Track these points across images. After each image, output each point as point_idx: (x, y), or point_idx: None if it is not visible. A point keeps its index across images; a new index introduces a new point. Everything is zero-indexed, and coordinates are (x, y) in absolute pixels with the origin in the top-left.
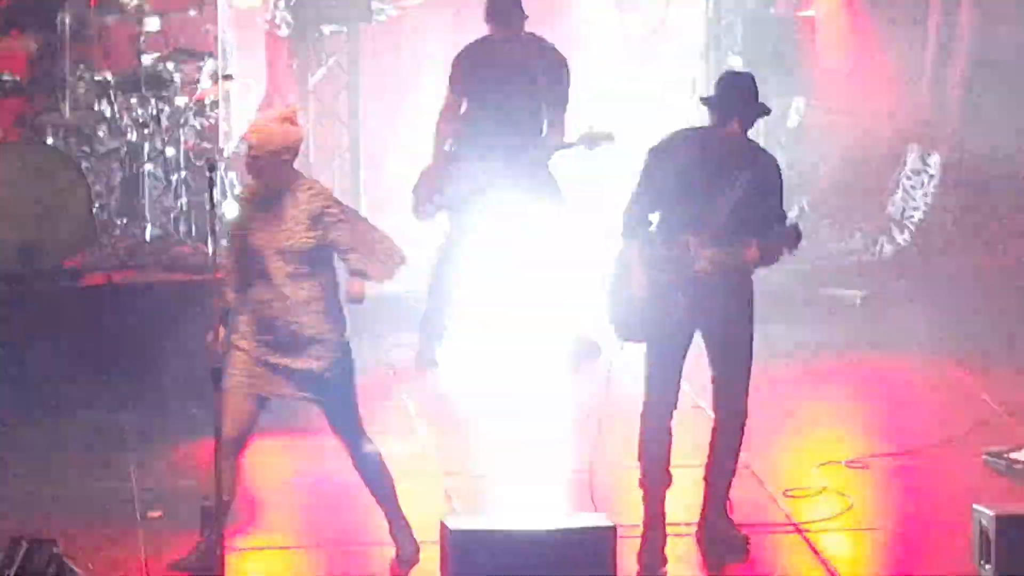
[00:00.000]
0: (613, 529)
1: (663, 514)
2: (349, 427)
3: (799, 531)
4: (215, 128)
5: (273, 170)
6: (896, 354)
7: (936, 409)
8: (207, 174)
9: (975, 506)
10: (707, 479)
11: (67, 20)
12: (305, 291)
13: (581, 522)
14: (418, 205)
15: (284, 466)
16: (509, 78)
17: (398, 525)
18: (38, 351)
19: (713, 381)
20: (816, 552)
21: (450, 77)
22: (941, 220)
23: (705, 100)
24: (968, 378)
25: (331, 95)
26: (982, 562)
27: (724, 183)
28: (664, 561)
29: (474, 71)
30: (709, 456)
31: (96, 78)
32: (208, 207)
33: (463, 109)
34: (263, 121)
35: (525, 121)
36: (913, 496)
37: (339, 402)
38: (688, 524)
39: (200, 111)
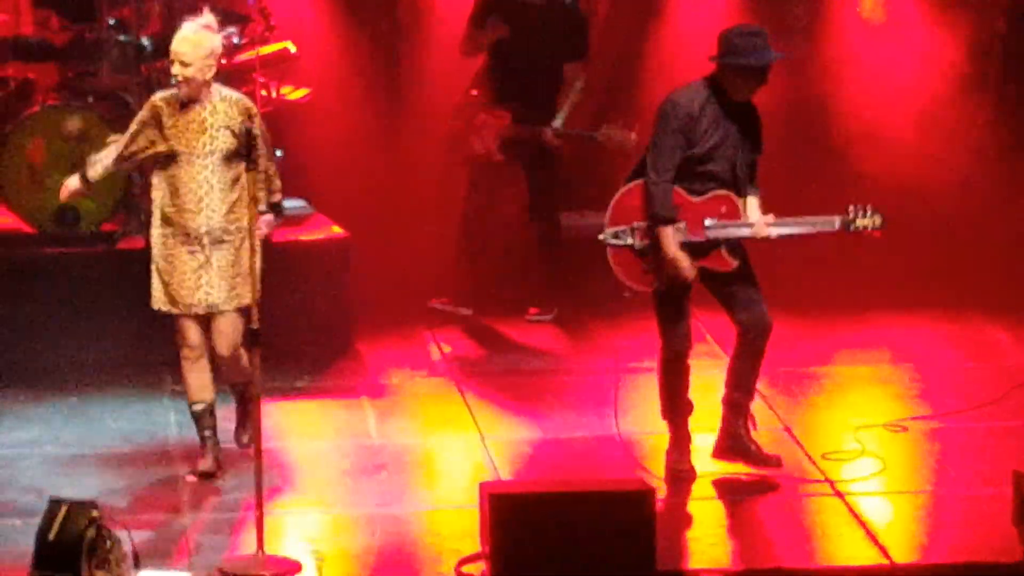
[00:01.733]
0: (652, 491)
1: (687, 432)
2: None
3: (837, 493)
4: (251, 92)
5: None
6: (933, 315)
7: (975, 372)
8: (244, 138)
9: (1016, 470)
10: (731, 399)
11: None
12: None
13: (620, 485)
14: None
15: (322, 429)
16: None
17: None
18: (74, 313)
19: (732, 303)
20: (855, 514)
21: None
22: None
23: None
24: (1007, 338)
25: None
26: (1023, 525)
27: (743, 143)
28: (689, 457)
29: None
30: (732, 375)
31: (132, 42)
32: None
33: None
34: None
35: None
36: (952, 459)
37: None
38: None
39: (237, 75)
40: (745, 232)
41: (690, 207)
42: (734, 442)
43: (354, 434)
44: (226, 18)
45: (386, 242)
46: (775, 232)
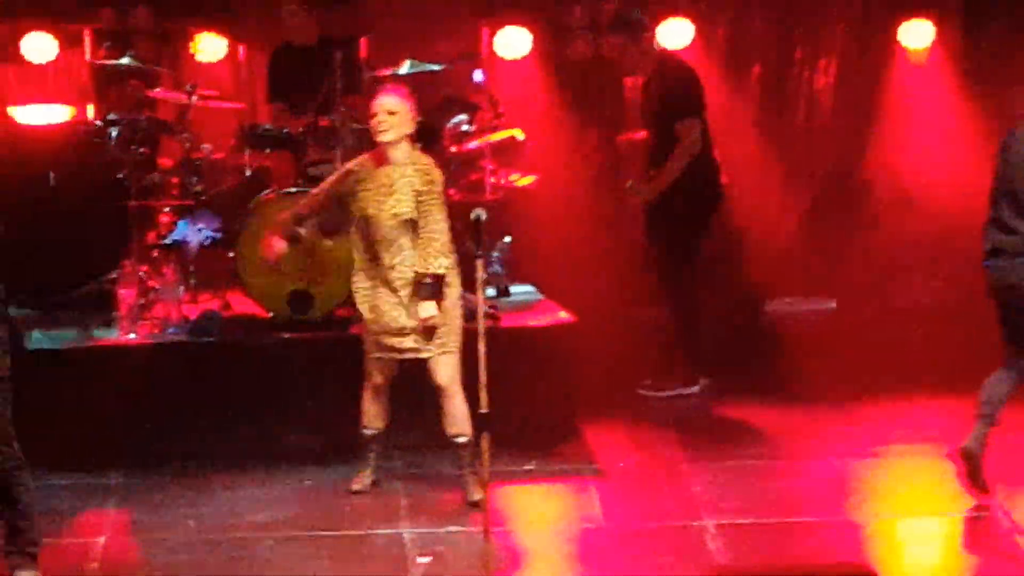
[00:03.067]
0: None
1: None
2: None
3: None
4: (481, 179)
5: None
6: None
7: None
8: (474, 226)
9: None
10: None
11: (339, 72)
12: None
13: (846, 569)
14: None
15: (549, 512)
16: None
17: None
18: (311, 396)
19: None
20: None
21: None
22: None
23: None
24: None
25: None
26: None
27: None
28: None
29: None
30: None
31: (366, 128)
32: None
33: None
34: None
35: None
36: None
37: None
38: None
39: (467, 162)
40: None
41: None
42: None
43: (581, 517)
44: (456, 106)
45: (612, 324)
46: None
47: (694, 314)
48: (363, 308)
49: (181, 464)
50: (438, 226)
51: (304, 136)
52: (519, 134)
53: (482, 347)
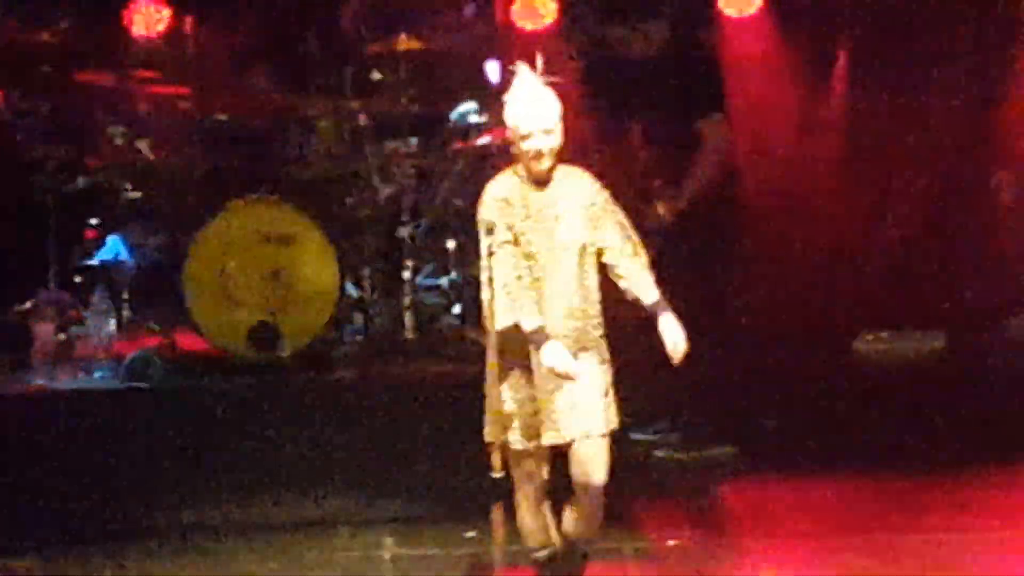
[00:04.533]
0: None
1: None
2: None
3: None
4: None
5: None
6: None
7: None
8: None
9: None
10: None
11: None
12: None
13: None
14: None
15: None
16: None
17: None
18: (284, 450)
19: None
20: None
21: None
22: None
23: None
24: None
25: None
26: None
27: None
28: None
29: None
30: None
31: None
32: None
33: None
34: None
35: None
36: None
37: None
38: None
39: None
40: None
41: None
42: None
43: None
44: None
45: None
46: None
47: None
48: None
49: (109, 543)
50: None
51: (269, 131)
52: None
53: None
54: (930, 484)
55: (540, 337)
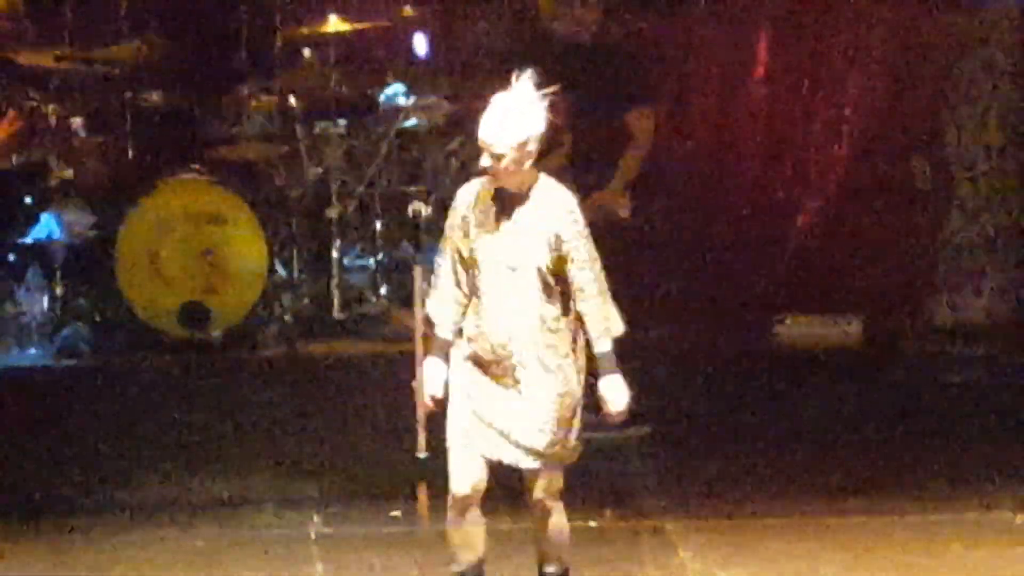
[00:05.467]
0: None
1: None
2: None
3: None
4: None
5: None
6: None
7: None
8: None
9: None
10: None
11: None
12: None
13: None
14: None
15: None
16: None
17: None
18: (213, 428)
19: None
20: None
21: None
22: None
23: None
24: None
25: None
26: None
27: None
28: None
29: None
30: None
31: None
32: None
33: None
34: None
35: None
36: None
37: None
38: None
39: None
40: None
41: None
42: None
43: None
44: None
45: None
46: None
47: None
48: None
49: (41, 520)
50: None
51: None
52: None
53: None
54: (848, 465)
55: (437, 344)
